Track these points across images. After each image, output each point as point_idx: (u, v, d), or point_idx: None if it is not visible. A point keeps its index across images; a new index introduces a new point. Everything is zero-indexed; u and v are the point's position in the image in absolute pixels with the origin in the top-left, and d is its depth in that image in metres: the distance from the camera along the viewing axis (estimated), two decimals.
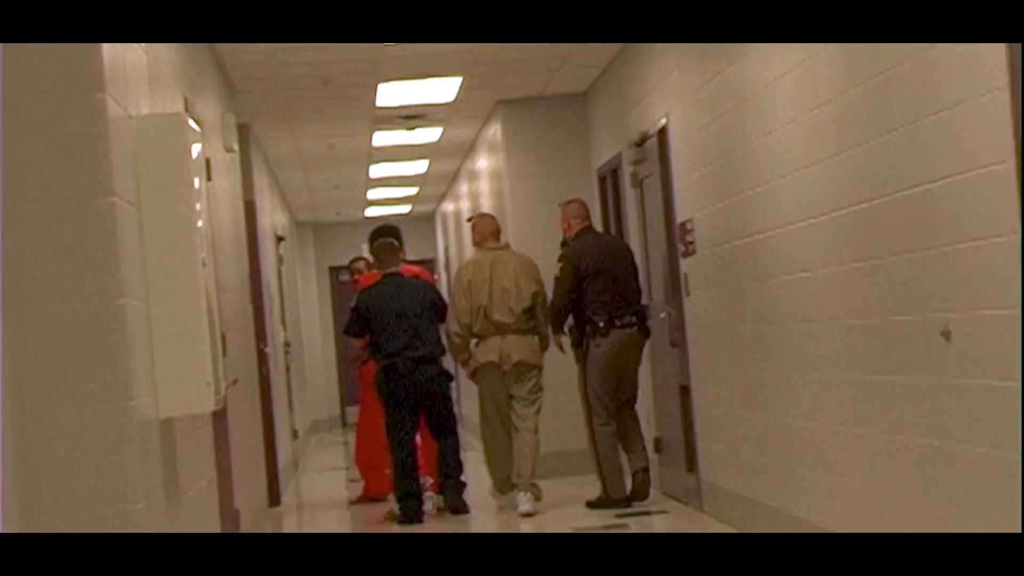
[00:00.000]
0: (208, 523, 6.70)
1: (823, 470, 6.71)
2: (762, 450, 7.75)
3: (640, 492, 9.95)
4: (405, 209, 22.16)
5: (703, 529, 8.71)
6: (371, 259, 11.28)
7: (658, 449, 10.46)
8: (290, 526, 11.10)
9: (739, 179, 7.75)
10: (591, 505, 10.04)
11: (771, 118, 7.01)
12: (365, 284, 10.93)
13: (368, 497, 11.76)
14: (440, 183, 19.02)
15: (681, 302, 9.39)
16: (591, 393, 9.95)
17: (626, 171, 10.94)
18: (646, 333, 10.06)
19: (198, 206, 4.75)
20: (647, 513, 9.51)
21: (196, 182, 4.80)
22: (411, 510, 10.27)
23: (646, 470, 10.01)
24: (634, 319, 9.91)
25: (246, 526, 8.86)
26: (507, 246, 10.86)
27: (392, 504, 10.71)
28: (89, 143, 4.17)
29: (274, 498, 11.99)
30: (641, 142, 10.30)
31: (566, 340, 10.25)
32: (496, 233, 10.77)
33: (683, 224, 9.15)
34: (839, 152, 6.13)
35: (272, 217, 15.76)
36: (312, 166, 16.21)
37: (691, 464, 9.45)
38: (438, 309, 10.51)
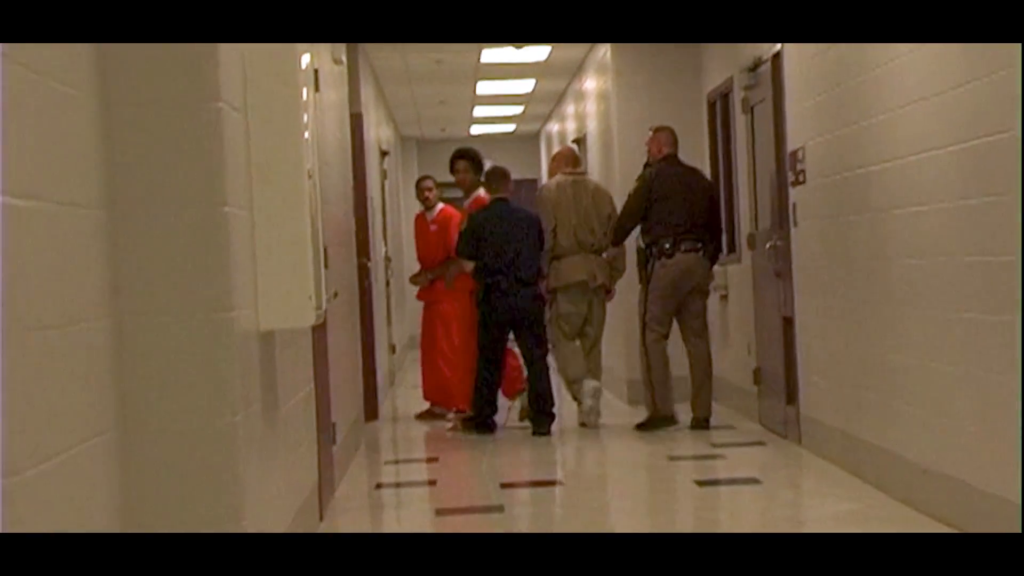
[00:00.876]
0: (304, 436, 6.68)
1: (932, 410, 6.56)
2: (866, 386, 7.60)
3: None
4: (510, 128, 22.04)
5: (800, 462, 8.60)
6: (434, 181, 12.43)
7: (757, 380, 10.35)
8: (384, 439, 11.11)
9: (855, 108, 7.56)
10: (640, 427, 10.38)
11: (893, 46, 6.81)
12: (476, 207, 11.32)
13: (434, 409, 12.08)
14: (546, 103, 18.87)
15: (788, 232, 9.22)
16: (650, 310, 10.25)
17: (737, 96, 10.76)
18: (713, 259, 10.41)
19: (305, 116, 4.65)
20: (743, 444, 9.40)
21: (304, 92, 4.70)
22: (489, 423, 10.84)
23: (707, 419, 10.34)
24: (699, 244, 10.20)
25: (342, 439, 8.86)
26: (584, 173, 11.31)
27: (454, 418, 11.45)
28: (194, 46, 4.08)
29: (371, 412, 12.00)
30: (754, 67, 10.12)
31: (620, 257, 10.87)
32: (576, 161, 11.23)
33: (794, 153, 8.97)
34: (962, 84, 5.94)
35: (377, 131, 15.71)
36: (419, 81, 16.12)
37: (791, 397, 9.32)
38: (540, 236, 10.84)
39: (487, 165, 11.60)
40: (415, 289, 12.50)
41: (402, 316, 19.06)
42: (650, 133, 10.70)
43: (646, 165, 10.61)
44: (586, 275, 10.75)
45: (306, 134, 4.62)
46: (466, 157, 11.72)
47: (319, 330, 7.78)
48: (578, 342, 10.99)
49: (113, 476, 3.92)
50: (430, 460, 9.83)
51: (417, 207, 12.85)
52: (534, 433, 10.61)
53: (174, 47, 4.05)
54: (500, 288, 10.61)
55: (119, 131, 4.03)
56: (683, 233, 10.16)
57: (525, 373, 10.90)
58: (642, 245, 10.42)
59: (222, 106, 4.14)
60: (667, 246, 10.15)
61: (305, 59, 4.76)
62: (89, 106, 3.84)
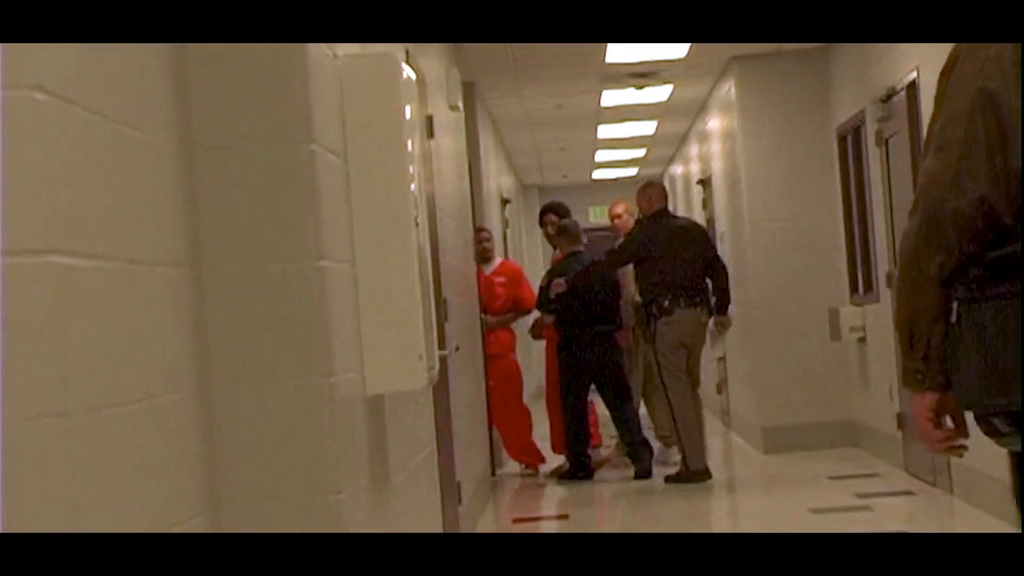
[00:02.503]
0: (425, 499, 6.35)
1: None
2: None
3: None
4: (632, 172, 21.72)
5: (953, 513, 8.13)
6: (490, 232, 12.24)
7: (901, 425, 9.88)
8: (510, 493, 10.78)
9: None
10: (670, 480, 10.41)
11: None
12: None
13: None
14: (669, 145, 18.53)
15: None
16: (666, 366, 10.31)
17: (870, 129, 10.34)
18: (710, 312, 10.52)
19: (411, 163, 4.32)
20: (889, 494, 8.94)
21: (410, 139, 4.37)
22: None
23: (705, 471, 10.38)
24: (698, 299, 10.36)
25: (468, 497, 8.54)
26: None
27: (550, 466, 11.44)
28: (286, 83, 3.73)
29: (495, 464, 11.68)
30: (887, 98, 9.71)
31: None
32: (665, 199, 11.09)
33: None
34: None
35: (498, 179, 15.46)
36: (539, 126, 15.88)
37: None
38: (617, 288, 11.10)
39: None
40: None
41: (528, 366, 18.77)
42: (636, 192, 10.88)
43: (638, 222, 10.83)
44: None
45: (412, 180, 4.28)
46: (553, 211, 11.85)
47: (441, 385, 7.48)
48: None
49: None
50: (561, 517, 9.48)
51: (540, 257, 12.68)
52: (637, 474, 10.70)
53: (261, 83, 3.70)
54: (583, 341, 10.91)
55: (201, 178, 3.67)
56: (680, 289, 10.31)
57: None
58: (639, 302, 10.56)
59: (315, 148, 3.77)
60: (666, 304, 10.30)
61: (411, 98, 4.41)
62: (166, 151, 3.50)
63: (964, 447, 2.97)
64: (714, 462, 12.34)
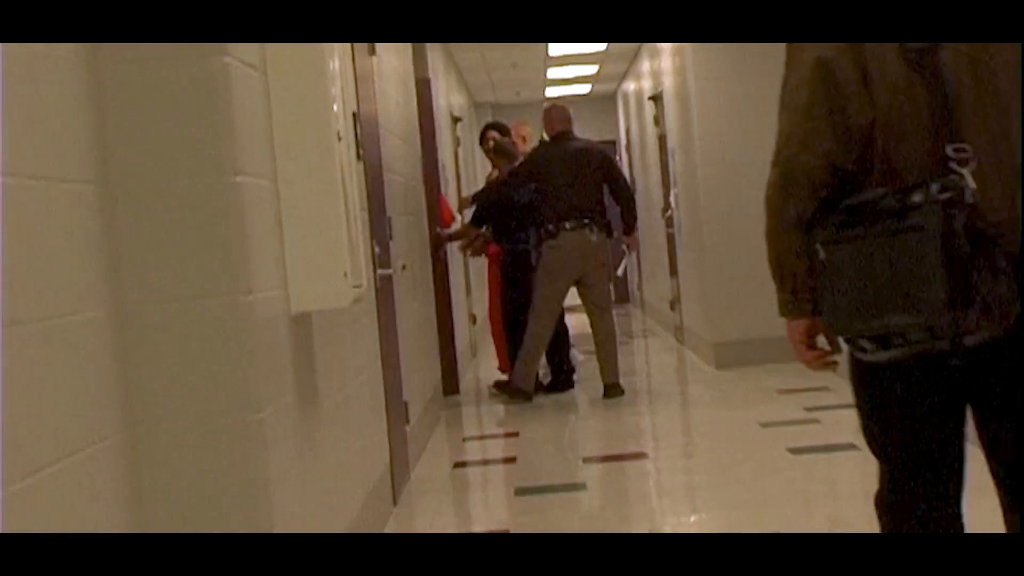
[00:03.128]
0: (369, 418, 6.32)
1: None
2: None
3: (608, 388, 10.55)
4: (585, 89, 21.60)
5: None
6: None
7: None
8: (465, 414, 10.76)
9: None
10: (492, 389, 11.13)
11: None
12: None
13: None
14: (621, 62, 18.41)
15: None
16: (538, 288, 10.45)
17: None
18: (608, 233, 10.54)
19: (334, 78, 4.22)
20: (837, 407, 8.95)
21: (334, 51, 4.28)
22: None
23: (615, 385, 10.55)
24: (587, 220, 10.34)
25: (417, 418, 8.51)
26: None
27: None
28: None
29: (451, 386, 11.65)
30: None
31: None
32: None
33: None
34: None
35: (448, 97, 15.32)
36: (489, 44, 15.72)
37: None
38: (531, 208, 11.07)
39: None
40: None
41: (483, 285, 18.73)
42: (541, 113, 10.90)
43: (540, 143, 10.83)
44: None
45: (335, 100, 4.18)
46: (495, 129, 11.94)
47: (385, 304, 7.42)
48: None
49: (120, 486, 3.50)
50: (509, 435, 9.46)
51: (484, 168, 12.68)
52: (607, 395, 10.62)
53: None
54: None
55: (110, 93, 3.57)
56: (569, 211, 10.33)
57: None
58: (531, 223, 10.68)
59: (230, 61, 3.68)
60: (551, 227, 10.36)
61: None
62: (74, 64, 3.40)
63: (836, 363, 3.36)
64: (667, 378, 12.39)
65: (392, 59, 9.10)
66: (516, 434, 9.47)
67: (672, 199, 14.09)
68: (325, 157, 4.07)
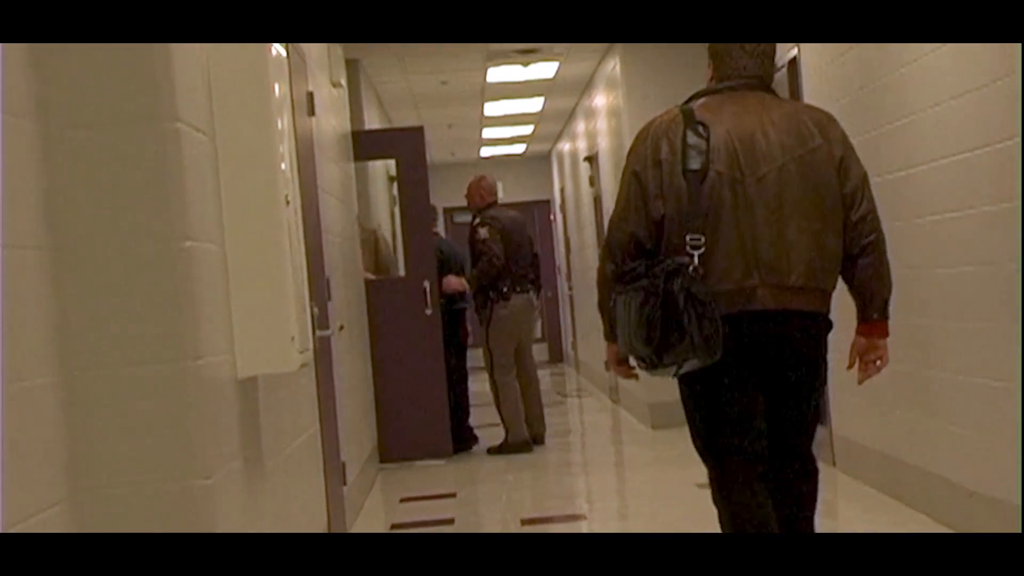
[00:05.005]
0: (308, 481, 6.30)
1: (973, 428, 6.15)
2: (902, 404, 7.19)
3: (538, 438, 11.20)
4: (520, 149, 21.69)
5: (836, 484, 8.19)
6: None
7: None
8: (404, 474, 10.72)
9: (878, 112, 7.16)
10: (492, 451, 11.15)
11: (915, 45, 6.41)
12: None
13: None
14: (556, 122, 18.52)
15: None
16: (497, 356, 11.02)
17: None
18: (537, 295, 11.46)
19: (281, 141, 4.23)
20: None
21: (281, 113, 4.29)
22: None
23: (541, 418, 11.32)
24: (530, 286, 11.16)
25: (354, 478, 8.48)
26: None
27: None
28: (149, 60, 3.61)
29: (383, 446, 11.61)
30: None
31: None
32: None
33: None
34: (992, 81, 5.54)
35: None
36: (425, 103, 15.79)
37: (822, 416, 8.92)
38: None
39: None
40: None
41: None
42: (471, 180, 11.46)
43: (477, 213, 11.26)
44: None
45: (283, 163, 4.19)
46: None
47: (324, 367, 7.41)
48: None
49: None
50: (446, 496, 9.44)
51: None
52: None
53: (123, 62, 3.58)
54: None
55: (62, 159, 3.56)
56: (519, 275, 11.07)
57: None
58: (482, 285, 11.13)
59: (180, 126, 3.68)
60: (504, 289, 10.99)
61: (277, 87, 4.32)
62: (25, 130, 3.39)
63: (636, 375, 4.78)
64: (602, 438, 12.42)
65: (330, 118, 9.12)
66: (453, 495, 9.45)
67: None
68: (273, 222, 4.07)
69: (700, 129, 4.55)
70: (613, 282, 4.55)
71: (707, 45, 4.85)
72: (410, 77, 13.77)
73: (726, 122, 4.58)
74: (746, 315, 4.47)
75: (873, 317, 4.72)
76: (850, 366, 4.81)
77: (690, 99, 4.74)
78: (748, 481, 4.54)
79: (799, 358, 4.61)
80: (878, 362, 4.77)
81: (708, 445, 4.65)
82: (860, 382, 4.88)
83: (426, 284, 11.10)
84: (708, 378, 4.51)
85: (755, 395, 4.58)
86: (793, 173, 4.52)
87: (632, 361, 4.65)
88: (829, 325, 4.70)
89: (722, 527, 4.60)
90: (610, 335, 4.65)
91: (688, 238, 4.44)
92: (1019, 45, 5.23)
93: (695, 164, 4.49)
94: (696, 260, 4.42)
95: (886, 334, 4.77)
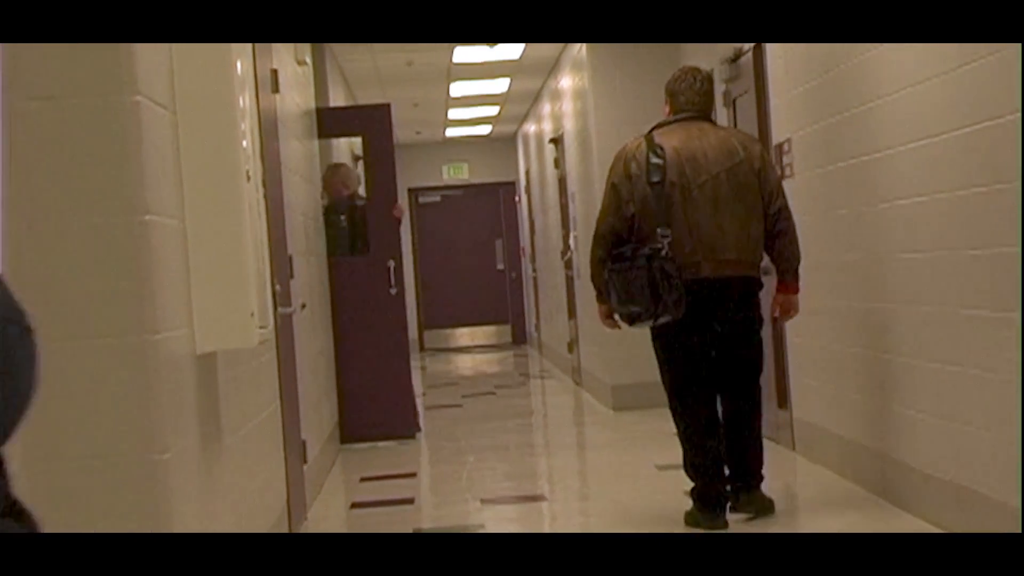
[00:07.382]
0: (268, 458, 6.28)
1: (934, 413, 6.17)
2: (863, 389, 7.21)
3: None
4: (486, 130, 21.66)
5: (795, 469, 8.22)
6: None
7: None
8: (364, 455, 10.70)
9: (844, 96, 7.17)
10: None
11: None
12: None
13: None
14: (522, 103, 18.49)
15: None
16: None
17: (718, 89, 10.36)
18: None
19: (243, 118, 4.20)
20: None
21: (243, 90, 4.25)
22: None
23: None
24: None
25: (314, 456, 8.46)
26: None
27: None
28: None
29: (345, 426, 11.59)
30: (735, 58, 9.75)
31: None
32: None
33: (779, 145, 8.59)
34: (959, 66, 5.55)
35: (350, 136, 15.27)
36: (391, 83, 15.74)
37: (782, 400, 8.94)
38: None
39: None
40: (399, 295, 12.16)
41: None
42: (334, 172, 11.26)
43: (349, 199, 11.19)
44: None
45: (244, 139, 4.16)
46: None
47: (286, 344, 7.38)
48: None
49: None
50: (407, 476, 9.43)
51: None
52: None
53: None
54: None
55: (18, 130, 3.52)
56: None
57: None
58: None
59: (140, 100, 3.65)
60: None
61: (239, 64, 4.29)
62: None
63: (619, 327, 6.79)
64: (564, 419, 12.43)
65: (295, 96, 9.08)
66: (414, 474, 9.44)
67: (571, 241, 14.15)
68: (233, 197, 4.04)
69: (659, 151, 6.50)
70: (606, 261, 6.50)
71: (664, 86, 6.87)
72: (376, 56, 13.73)
73: (676, 145, 6.51)
74: (695, 282, 6.43)
75: (787, 279, 6.65)
76: (772, 314, 6.77)
77: (652, 129, 6.70)
78: (700, 399, 6.61)
79: (736, 308, 6.57)
80: (791, 311, 6.74)
81: (674, 376, 6.70)
82: (779, 324, 7.42)
83: (390, 263, 11.02)
84: (673, 327, 6.48)
85: (704, 336, 6.57)
86: (724, 180, 6.46)
87: (616, 318, 6.62)
88: (760, 285, 6.64)
89: (680, 439, 6.80)
90: (601, 298, 6.65)
91: (659, 231, 6.42)
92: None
93: (656, 177, 6.44)
94: (666, 246, 6.38)
95: (797, 291, 6.67)
